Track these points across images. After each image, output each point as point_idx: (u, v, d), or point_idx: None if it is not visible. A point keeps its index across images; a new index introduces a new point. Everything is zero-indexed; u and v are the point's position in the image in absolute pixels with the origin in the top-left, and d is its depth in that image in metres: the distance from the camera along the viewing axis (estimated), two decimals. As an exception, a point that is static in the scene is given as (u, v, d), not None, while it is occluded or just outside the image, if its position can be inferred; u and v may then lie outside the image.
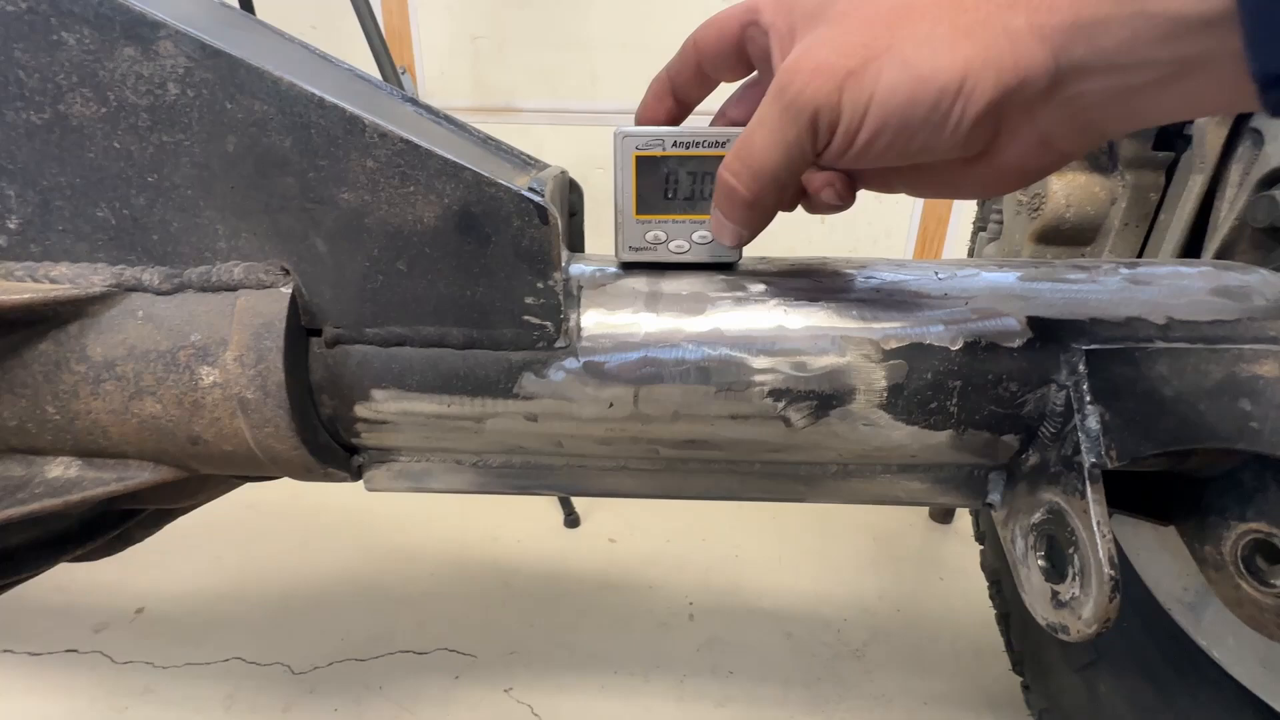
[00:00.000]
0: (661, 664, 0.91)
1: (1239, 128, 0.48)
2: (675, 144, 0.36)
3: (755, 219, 0.34)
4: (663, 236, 0.38)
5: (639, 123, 0.38)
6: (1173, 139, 0.52)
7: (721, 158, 0.35)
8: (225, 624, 0.95)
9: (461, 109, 1.66)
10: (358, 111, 0.33)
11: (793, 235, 1.66)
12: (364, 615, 0.97)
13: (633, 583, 1.05)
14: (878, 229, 1.65)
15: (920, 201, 1.63)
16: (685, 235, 0.38)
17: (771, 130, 0.30)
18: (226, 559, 1.07)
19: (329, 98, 0.32)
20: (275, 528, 1.13)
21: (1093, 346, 0.36)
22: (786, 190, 0.33)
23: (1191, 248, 0.51)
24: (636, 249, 0.39)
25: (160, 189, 0.34)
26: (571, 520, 1.18)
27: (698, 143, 0.36)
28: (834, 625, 0.98)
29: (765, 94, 0.30)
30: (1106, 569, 0.33)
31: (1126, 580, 0.63)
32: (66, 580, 0.98)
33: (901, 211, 1.64)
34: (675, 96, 0.38)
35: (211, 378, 0.35)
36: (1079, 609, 0.35)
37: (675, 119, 0.39)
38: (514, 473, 0.44)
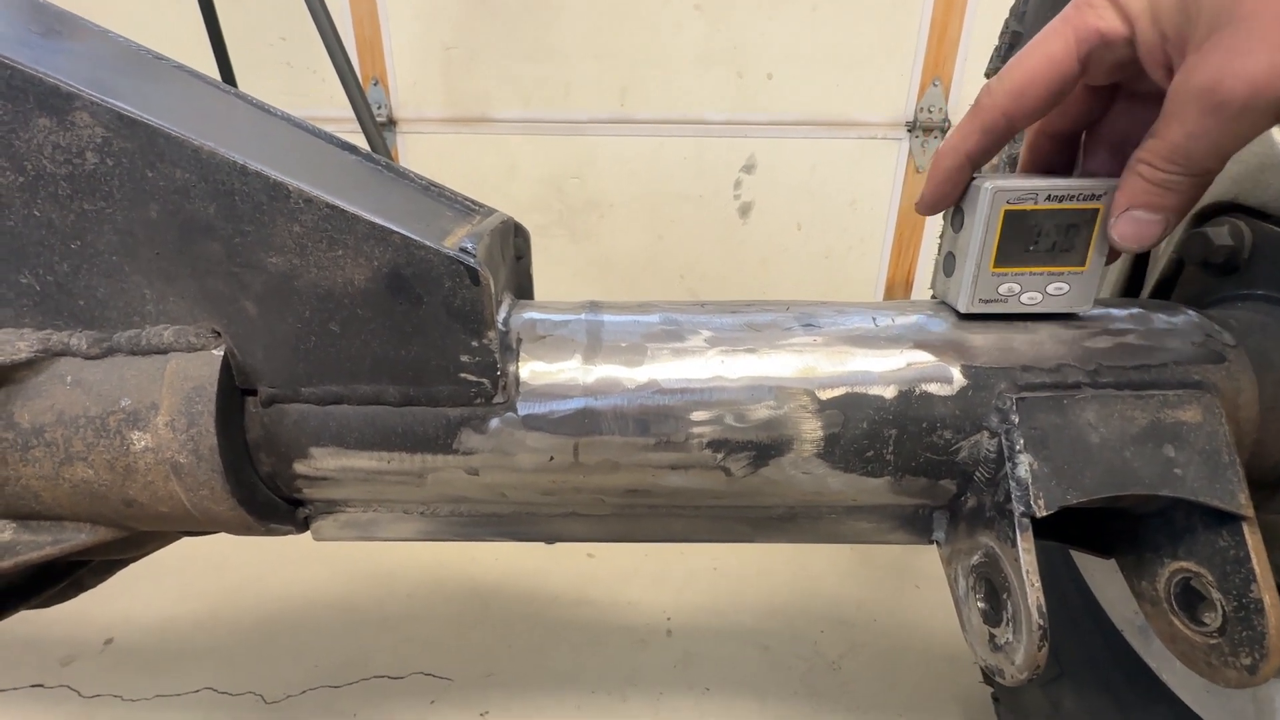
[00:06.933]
0: (639, 682, 0.91)
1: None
2: (1049, 197, 0.36)
3: (1186, 209, 0.34)
4: (1016, 289, 0.38)
5: (929, 208, 0.39)
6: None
7: (1095, 210, 0.35)
8: (196, 653, 0.94)
9: (436, 119, 1.65)
10: (281, 177, 0.32)
11: (769, 244, 1.67)
12: (338, 640, 0.96)
13: (611, 599, 1.06)
14: (852, 236, 1.66)
15: (895, 209, 1.63)
16: (1040, 287, 0.38)
17: (1214, 138, 0.30)
18: (197, 586, 1.06)
19: (252, 164, 0.32)
20: (246, 552, 1.12)
21: (1023, 395, 0.36)
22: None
23: (1135, 280, 0.51)
24: (987, 300, 0.38)
25: (84, 255, 0.34)
26: (549, 536, 1.18)
27: (1072, 195, 0.36)
28: (811, 638, 0.99)
29: (1171, 105, 0.31)
30: (1036, 618, 0.33)
31: (1084, 600, 0.64)
32: (33, 612, 0.96)
33: (877, 219, 1.64)
34: (974, 169, 0.38)
35: (143, 443, 0.35)
36: (1013, 654, 0.35)
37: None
38: (462, 521, 0.44)
